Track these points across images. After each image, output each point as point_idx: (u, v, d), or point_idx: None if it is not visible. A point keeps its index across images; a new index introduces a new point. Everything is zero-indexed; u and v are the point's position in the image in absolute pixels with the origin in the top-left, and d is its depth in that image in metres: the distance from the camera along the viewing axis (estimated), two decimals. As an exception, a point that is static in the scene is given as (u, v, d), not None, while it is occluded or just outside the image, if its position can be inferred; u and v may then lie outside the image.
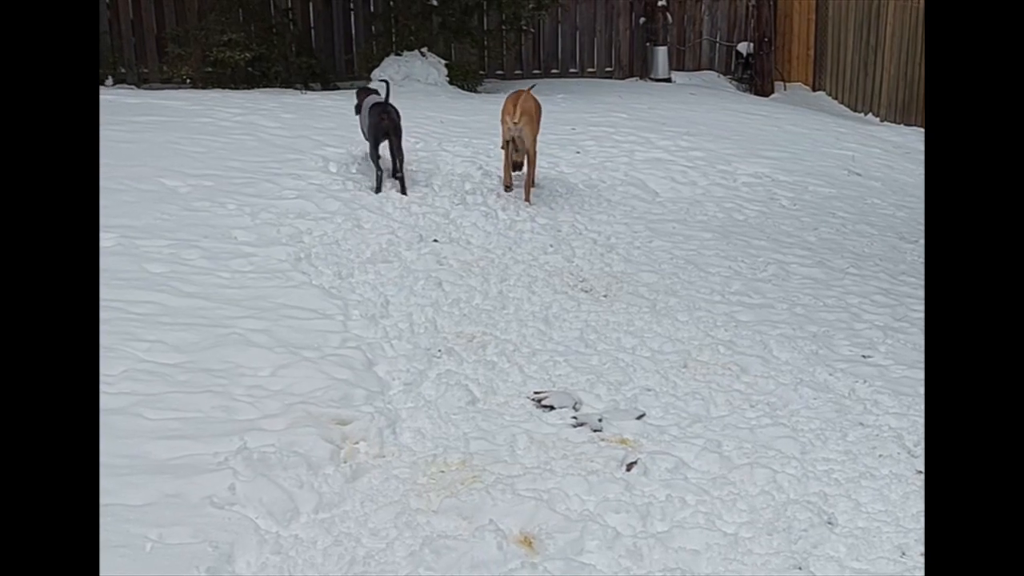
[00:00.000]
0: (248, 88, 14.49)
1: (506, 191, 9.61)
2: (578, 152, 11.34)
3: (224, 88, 14.39)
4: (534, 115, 9.61)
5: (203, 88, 14.41)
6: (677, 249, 8.59)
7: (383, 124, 9.29)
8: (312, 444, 5.03)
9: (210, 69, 14.70)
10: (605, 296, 7.51)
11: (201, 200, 8.41)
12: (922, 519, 4.66)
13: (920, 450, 5.34)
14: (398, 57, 15.29)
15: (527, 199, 9.46)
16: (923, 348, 6.85)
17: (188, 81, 14.76)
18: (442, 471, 4.95)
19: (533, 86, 10.25)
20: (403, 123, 9.58)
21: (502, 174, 9.79)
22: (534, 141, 9.60)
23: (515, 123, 9.37)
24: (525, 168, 9.65)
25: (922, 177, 11.91)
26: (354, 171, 9.68)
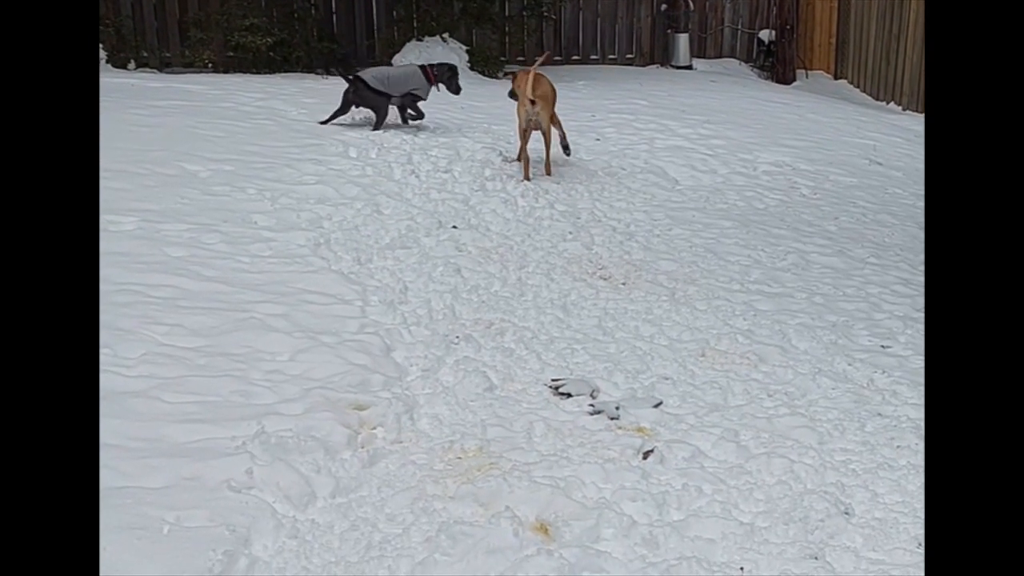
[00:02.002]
0: (269, 73, 14.53)
1: (525, 180, 9.61)
2: (598, 139, 11.32)
3: (245, 73, 14.43)
4: (550, 97, 9.87)
5: (225, 73, 14.45)
6: (696, 237, 8.56)
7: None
8: (330, 429, 5.04)
9: (232, 54, 14.73)
10: (624, 284, 7.50)
11: (221, 185, 8.43)
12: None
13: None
14: (419, 42, 15.31)
15: (548, 171, 9.82)
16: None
17: (210, 65, 14.79)
18: (459, 457, 4.96)
19: (538, 63, 10.36)
20: (427, 109, 10.72)
21: (521, 165, 9.81)
22: (550, 121, 9.86)
23: (533, 107, 9.58)
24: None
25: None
26: (373, 156, 9.70)
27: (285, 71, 14.67)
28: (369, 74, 10.65)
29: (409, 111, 10.89)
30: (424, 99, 10.84)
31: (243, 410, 5.15)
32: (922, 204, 10.15)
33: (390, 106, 10.68)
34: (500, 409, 5.46)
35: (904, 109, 16.15)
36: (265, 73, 14.47)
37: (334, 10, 16.28)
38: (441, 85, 10.87)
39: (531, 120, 9.70)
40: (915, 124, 14.23)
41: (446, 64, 11.10)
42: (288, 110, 11.19)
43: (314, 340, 6.03)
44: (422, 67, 10.86)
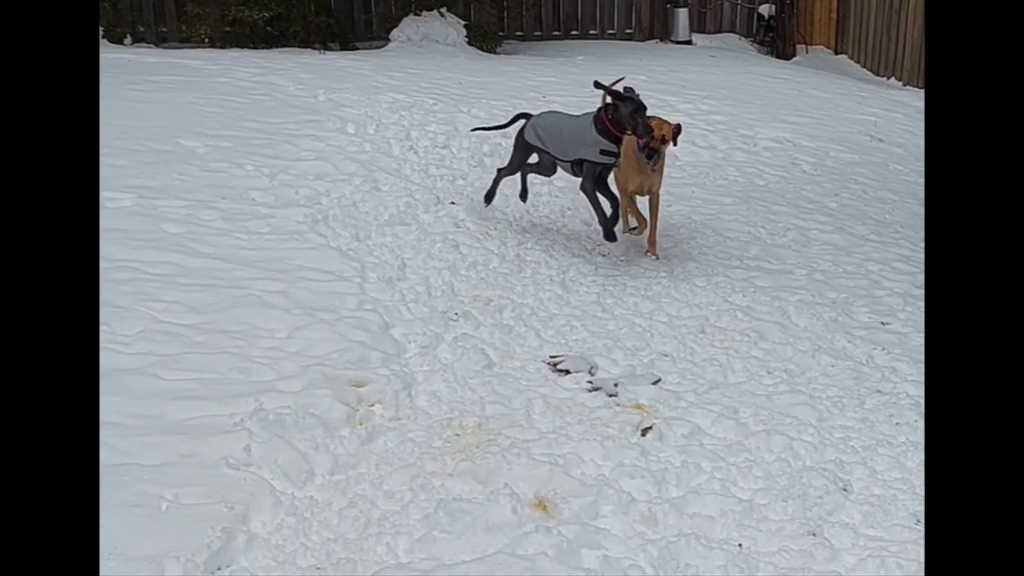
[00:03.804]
0: (267, 48, 14.46)
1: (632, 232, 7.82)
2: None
3: (243, 48, 14.35)
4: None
5: (222, 48, 14.38)
6: (696, 214, 8.54)
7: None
8: (328, 406, 5.04)
9: (229, 29, 14.67)
10: (623, 260, 7.48)
11: (219, 161, 8.40)
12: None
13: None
14: (417, 17, 15.24)
15: (653, 251, 7.58)
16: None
17: (207, 41, 14.73)
18: (457, 434, 4.95)
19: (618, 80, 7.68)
20: (425, 85, 9.94)
21: (629, 218, 7.83)
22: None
23: (652, 167, 7.31)
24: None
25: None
26: (372, 132, 9.66)
27: (282, 46, 14.60)
28: (532, 122, 7.75)
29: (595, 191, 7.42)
30: (604, 163, 7.29)
31: (241, 387, 5.15)
32: (923, 181, 10.12)
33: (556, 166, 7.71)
34: (499, 386, 5.45)
35: (905, 84, 16.08)
36: (262, 48, 14.41)
37: (332, -16, 16.22)
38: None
39: (644, 186, 7.51)
40: (916, 100, 14.17)
41: (629, 97, 7.16)
42: (286, 85, 11.14)
43: (312, 317, 6.02)
44: (598, 111, 7.26)
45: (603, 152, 7.10)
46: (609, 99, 7.13)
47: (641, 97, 7.09)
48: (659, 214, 7.65)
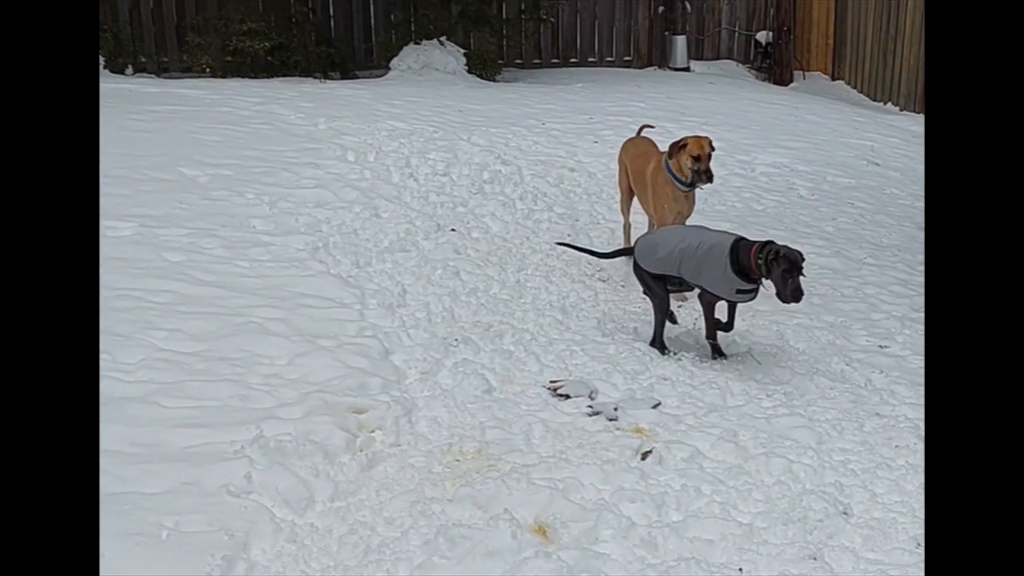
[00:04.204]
0: (267, 77, 14.53)
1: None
2: (596, 142, 11.31)
3: (243, 77, 14.42)
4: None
5: (222, 77, 14.45)
6: (695, 239, 8.55)
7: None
8: (328, 433, 5.04)
9: (230, 58, 14.74)
10: (623, 286, 7.50)
11: (220, 189, 8.43)
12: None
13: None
14: (417, 46, 15.32)
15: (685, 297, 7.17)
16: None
17: (208, 70, 14.79)
18: (457, 460, 4.96)
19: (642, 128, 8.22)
20: (425, 113, 9.50)
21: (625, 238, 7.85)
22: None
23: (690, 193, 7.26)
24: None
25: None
26: (371, 160, 9.70)
27: (283, 75, 14.68)
28: (647, 244, 6.58)
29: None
30: (725, 299, 6.35)
31: (242, 414, 5.16)
32: (920, 205, 10.17)
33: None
34: (499, 411, 5.46)
35: (901, 109, 16.14)
36: (263, 77, 14.47)
37: (332, 14, 16.29)
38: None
39: (682, 214, 7.37)
40: (912, 124, 14.23)
41: (783, 249, 5.99)
42: (287, 114, 11.19)
43: (312, 344, 6.03)
44: (737, 243, 6.16)
45: (739, 292, 6.12)
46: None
47: (796, 252, 5.97)
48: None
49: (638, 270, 6.52)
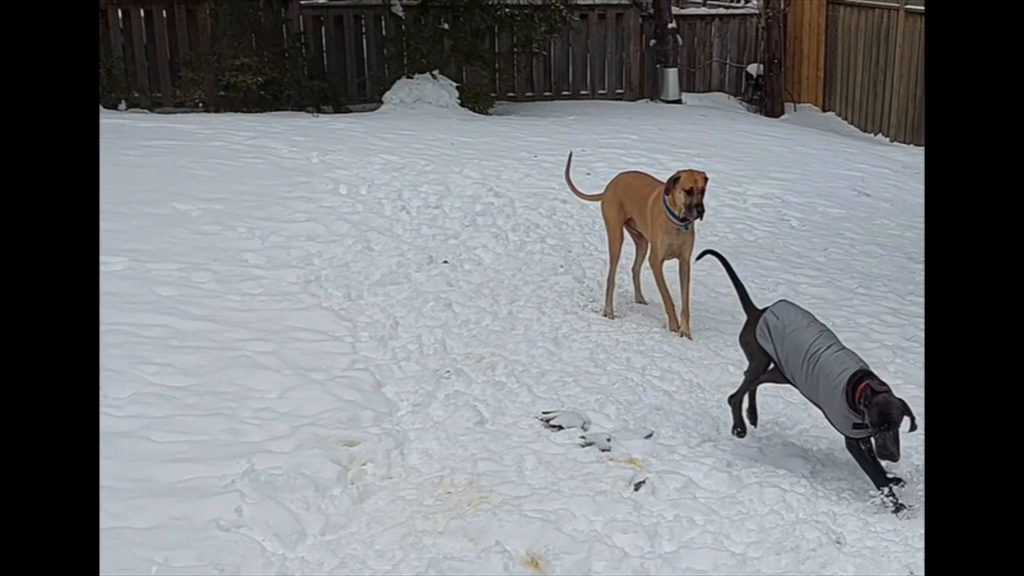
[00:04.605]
0: (260, 111, 14.57)
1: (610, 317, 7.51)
2: (588, 173, 11.29)
3: (236, 112, 14.46)
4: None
5: (215, 112, 14.50)
6: (687, 269, 8.57)
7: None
8: (319, 466, 5.03)
9: (223, 93, 14.79)
10: (616, 316, 7.50)
11: (212, 223, 8.44)
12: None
13: (930, 469, 5.32)
14: (410, 80, 15.39)
15: (686, 331, 7.24)
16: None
17: (201, 105, 14.86)
18: (449, 492, 4.94)
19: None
20: (418, 146, 9.50)
21: (606, 296, 7.62)
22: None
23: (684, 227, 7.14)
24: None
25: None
26: (364, 193, 9.73)
27: (276, 109, 14.73)
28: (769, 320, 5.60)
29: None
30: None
31: (232, 448, 5.15)
32: (910, 235, 10.20)
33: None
34: (490, 443, 5.44)
35: (892, 140, 16.21)
36: (256, 112, 14.52)
37: (324, 49, 16.38)
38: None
39: (675, 248, 7.27)
40: (902, 155, 14.30)
41: (890, 403, 4.96)
42: (279, 148, 11.22)
43: (304, 377, 6.03)
44: (855, 378, 5.10)
45: (856, 427, 5.07)
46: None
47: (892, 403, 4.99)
48: (690, 284, 7.38)
49: (751, 332, 5.67)
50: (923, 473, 5.26)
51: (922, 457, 5.43)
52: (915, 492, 4.97)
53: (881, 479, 5.01)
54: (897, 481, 5.03)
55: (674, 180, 6.99)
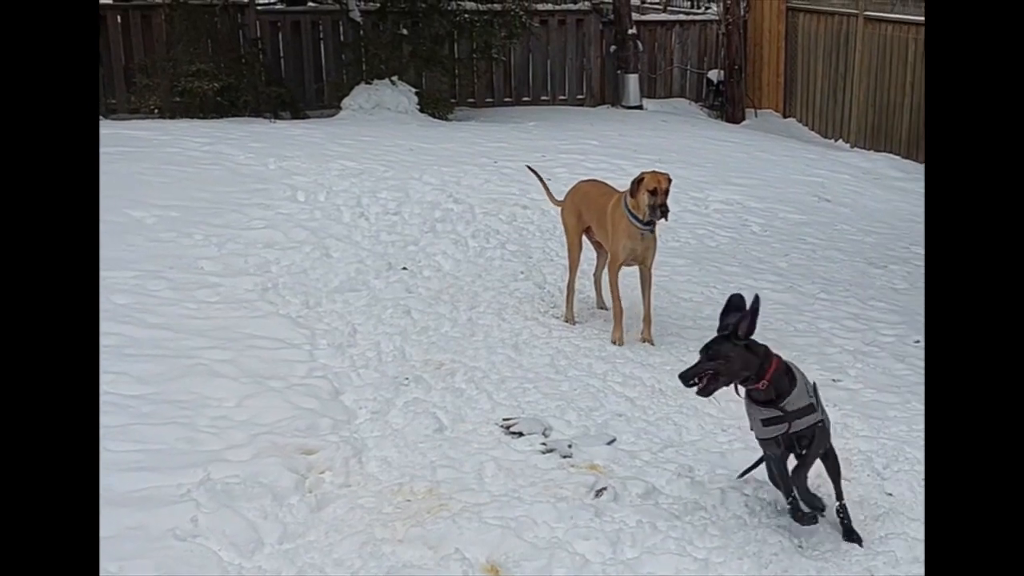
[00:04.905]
0: (217, 118, 14.45)
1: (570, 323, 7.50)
2: (549, 179, 11.26)
3: (192, 118, 14.34)
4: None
5: (171, 118, 14.36)
6: (648, 275, 8.55)
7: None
8: (277, 474, 4.96)
9: (178, 99, 14.68)
10: (577, 322, 7.46)
11: (167, 231, 8.35)
12: (891, 541, 4.65)
13: (889, 472, 5.33)
14: (368, 86, 15.31)
15: (648, 337, 7.21)
16: (892, 372, 6.85)
17: (156, 112, 14.71)
18: (408, 500, 4.89)
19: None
20: (376, 152, 9.42)
21: (566, 302, 7.60)
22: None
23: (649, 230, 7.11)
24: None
25: (891, 203, 11.96)
26: (322, 200, 9.66)
27: (233, 116, 14.62)
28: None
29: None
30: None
31: (189, 457, 5.08)
32: (870, 240, 10.27)
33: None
34: (450, 450, 5.39)
35: (852, 146, 16.29)
36: (212, 118, 14.40)
37: (282, 54, 16.31)
38: None
39: (636, 253, 7.17)
40: (862, 161, 14.37)
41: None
42: (236, 154, 11.12)
43: (261, 385, 5.96)
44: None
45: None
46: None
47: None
48: (652, 291, 7.28)
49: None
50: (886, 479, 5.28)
51: (882, 461, 5.46)
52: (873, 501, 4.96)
53: (786, 491, 4.76)
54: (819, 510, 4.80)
55: (638, 181, 6.95)
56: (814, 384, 4.79)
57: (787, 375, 4.65)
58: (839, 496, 4.72)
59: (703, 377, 4.61)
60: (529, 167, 7.91)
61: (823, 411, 4.69)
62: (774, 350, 6.64)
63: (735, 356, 4.57)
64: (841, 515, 4.69)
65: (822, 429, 4.63)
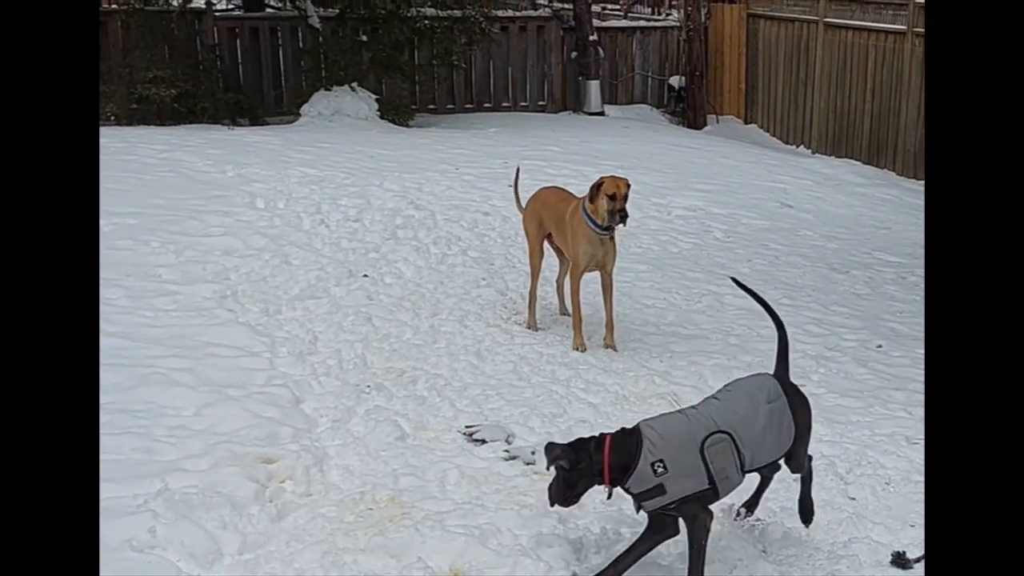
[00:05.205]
0: (174, 125, 14.32)
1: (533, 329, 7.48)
2: (511, 186, 11.24)
3: (149, 125, 14.22)
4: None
5: (128, 125, 14.21)
6: (611, 281, 8.52)
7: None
8: (236, 484, 4.89)
9: (135, 106, 14.55)
10: (540, 328, 7.42)
11: (124, 238, 8.24)
12: (854, 545, 4.67)
13: (852, 476, 5.33)
14: (328, 92, 15.21)
15: (611, 343, 7.19)
16: (855, 377, 6.86)
17: (112, 119, 14.55)
18: (370, 508, 4.83)
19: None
20: (337, 159, 9.32)
21: (528, 309, 7.58)
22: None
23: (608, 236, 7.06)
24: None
25: (853, 209, 12.01)
26: (281, 207, 9.57)
27: (190, 123, 14.49)
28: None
29: None
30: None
31: (146, 467, 5.00)
32: (832, 245, 10.32)
33: None
34: (412, 458, 5.34)
35: (813, 152, 16.39)
36: (170, 125, 14.28)
37: (240, 61, 16.19)
38: None
39: (597, 258, 7.12)
40: (824, 167, 14.44)
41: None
42: (193, 161, 11.02)
43: (220, 394, 5.87)
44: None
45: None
46: None
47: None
48: (614, 297, 7.28)
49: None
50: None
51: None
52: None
53: None
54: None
55: (597, 186, 6.90)
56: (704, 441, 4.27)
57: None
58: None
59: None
60: (516, 178, 7.94)
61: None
62: (738, 355, 6.65)
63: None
64: None
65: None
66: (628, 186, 6.91)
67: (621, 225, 6.95)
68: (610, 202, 6.82)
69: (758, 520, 4.83)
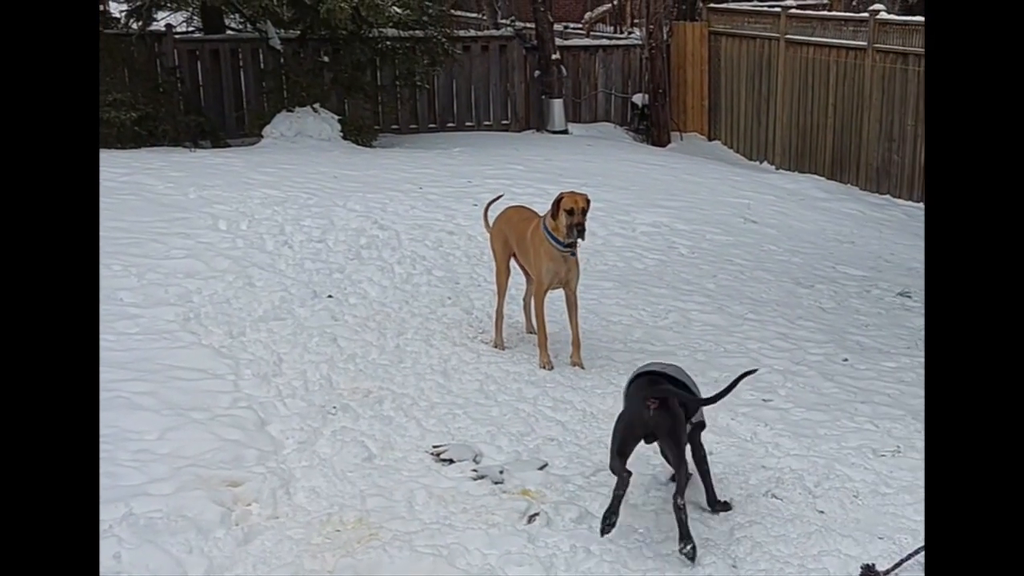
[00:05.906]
0: (135, 147, 14.20)
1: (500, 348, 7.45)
2: (475, 204, 11.21)
3: (110, 148, 14.07)
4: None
5: (89, 149, 14.08)
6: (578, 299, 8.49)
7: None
8: (202, 507, 4.84)
9: (96, 129, 14.40)
10: (507, 346, 7.39)
11: (86, 261, 8.14)
12: (824, 559, 4.66)
13: (820, 490, 5.32)
14: (290, 113, 15.18)
15: (577, 361, 7.19)
16: (821, 391, 6.86)
17: (73, 142, 14.43)
18: (338, 530, 4.78)
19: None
20: (300, 180, 9.23)
21: (495, 327, 7.58)
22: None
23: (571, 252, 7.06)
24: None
25: (817, 223, 12.06)
26: (244, 228, 9.51)
27: (151, 145, 14.41)
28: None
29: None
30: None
31: (110, 492, 4.91)
32: (796, 260, 10.34)
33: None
34: (379, 479, 5.29)
35: (777, 168, 16.46)
36: (131, 148, 14.15)
37: (201, 83, 16.14)
38: None
39: (560, 275, 7.10)
40: (787, 183, 14.51)
41: None
42: (155, 184, 10.93)
43: (184, 417, 5.81)
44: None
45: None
46: None
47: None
48: (579, 314, 7.22)
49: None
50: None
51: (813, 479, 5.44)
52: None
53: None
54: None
55: (557, 202, 6.90)
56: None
57: None
58: None
59: None
60: (491, 201, 7.94)
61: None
62: (706, 371, 6.65)
63: None
64: None
65: None
66: (587, 201, 6.90)
67: (580, 240, 6.94)
68: (568, 217, 6.81)
69: (729, 532, 4.82)
